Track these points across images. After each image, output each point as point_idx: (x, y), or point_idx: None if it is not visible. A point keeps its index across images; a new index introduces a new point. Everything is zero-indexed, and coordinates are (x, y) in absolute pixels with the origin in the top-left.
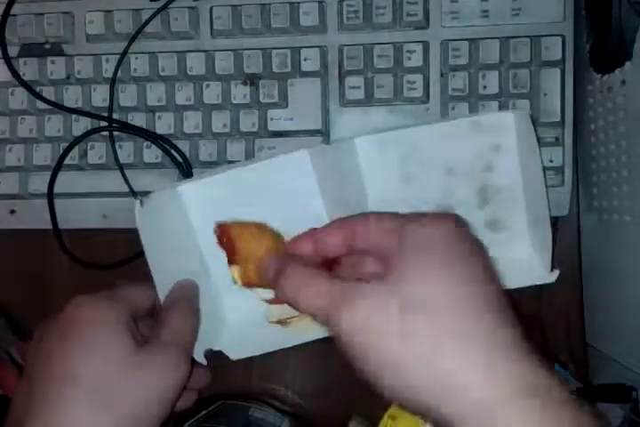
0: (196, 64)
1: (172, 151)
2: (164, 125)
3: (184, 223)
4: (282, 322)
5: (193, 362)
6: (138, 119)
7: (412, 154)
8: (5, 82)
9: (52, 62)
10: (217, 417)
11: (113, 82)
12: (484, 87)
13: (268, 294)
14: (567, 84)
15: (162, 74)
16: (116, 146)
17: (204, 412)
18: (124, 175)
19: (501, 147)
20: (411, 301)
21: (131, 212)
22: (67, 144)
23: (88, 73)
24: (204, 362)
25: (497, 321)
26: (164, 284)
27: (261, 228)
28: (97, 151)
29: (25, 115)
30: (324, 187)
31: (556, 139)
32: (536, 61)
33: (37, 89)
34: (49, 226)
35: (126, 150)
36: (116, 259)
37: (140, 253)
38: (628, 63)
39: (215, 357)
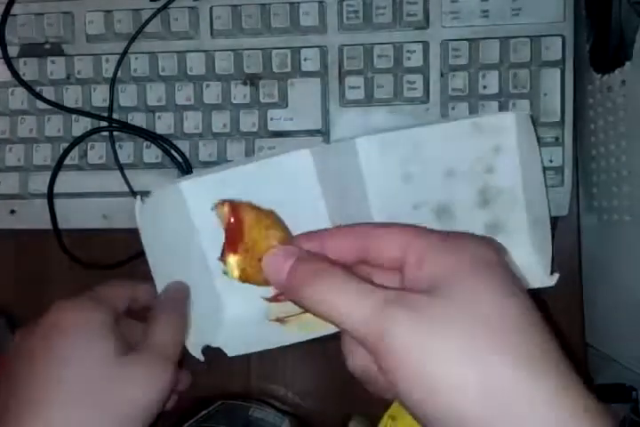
0: (196, 64)
1: (172, 151)
2: (163, 125)
3: (185, 220)
4: (280, 320)
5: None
6: (138, 119)
7: (413, 154)
8: (5, 82)
9: (52, 62)
10: (217, 417)
11: (113, 82)
12: (484, 87)
13: (268, 291)
14: (567, 84)
15: (162, 74)
16: (116, 146)
17: (203, 412)
18: (123, 175)
19: (502, 148)
20: (476, 321)
21: (131, 212)
22: (67, 144)
23: (88, 73)
24: (202, 358)
25: (556, 347)
26: (163, 281)
27: (275, 218)
28: (97, 151)
29: (25, 115)
30: (325, 186)
31: (556, 139)
32: (536, 61)
33: (37, 89)
34: (49, 226)
35: (126, 150)
36: (115, 259)
37: (140, 254)
38: (628, 63)
39: (213, 353)
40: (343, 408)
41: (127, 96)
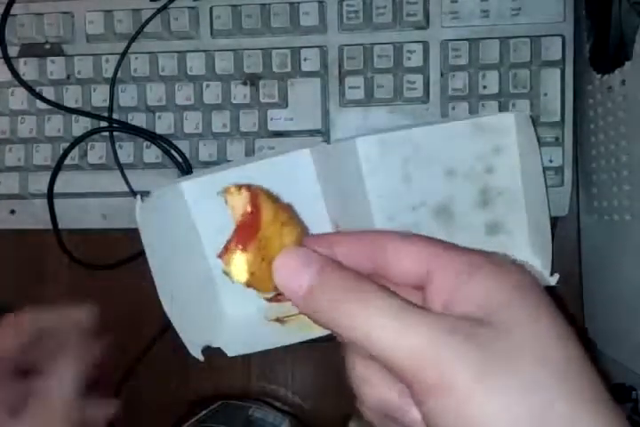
0: (196, 64)
1: (172, 151)
2: (163, 125)
3: (185, 220)
4: (280, 320)
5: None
6: (138, 119)
7: (413, 155)
8: (5, 82)
9: (52, 62)
10: (217, 417)
11: (113, 82)
12: (484, 87)
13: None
14: (567, 84)
15: (162, 74)
16: (116, 146)
17: (204, 412)
18: (123, 175)
19: (502, 148)
20: (538, 361)
21: (131, 212)
22: (67, 144)
23: (88, 73)
24: (202, 358)
25: (600, 381)
26: (163, 281)
27: (293, 212)
28: (97, 151)
29: (25, 115)
30: (325, 186)
31: (556, 139)
32: (536, 61)
33: (37, 89)
34: (49, 226)
35: (126, 150)
36: (115, 259)
37: (140, 253)
38: (627, 63)
39: (213, 353)
40: (343, 408)
41: (127, 96)
